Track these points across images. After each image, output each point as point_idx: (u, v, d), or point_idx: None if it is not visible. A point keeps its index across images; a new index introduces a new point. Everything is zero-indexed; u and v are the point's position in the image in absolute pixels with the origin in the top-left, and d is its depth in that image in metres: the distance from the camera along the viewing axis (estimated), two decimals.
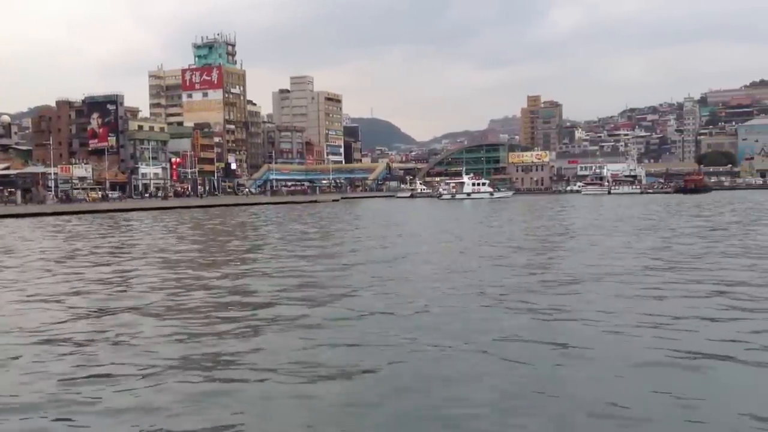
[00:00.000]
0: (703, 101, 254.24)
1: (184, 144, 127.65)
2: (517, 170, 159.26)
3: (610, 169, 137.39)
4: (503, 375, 8.66)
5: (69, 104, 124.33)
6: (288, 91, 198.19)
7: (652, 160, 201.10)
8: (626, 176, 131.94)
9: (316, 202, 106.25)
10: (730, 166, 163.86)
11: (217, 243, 30.96)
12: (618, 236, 29.69)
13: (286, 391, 8.21)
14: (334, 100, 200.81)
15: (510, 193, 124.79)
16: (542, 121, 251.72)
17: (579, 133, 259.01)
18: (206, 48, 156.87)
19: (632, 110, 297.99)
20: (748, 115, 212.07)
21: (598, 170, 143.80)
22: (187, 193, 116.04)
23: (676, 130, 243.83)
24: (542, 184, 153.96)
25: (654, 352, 9.53)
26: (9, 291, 16.70)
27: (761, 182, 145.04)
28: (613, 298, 13.74)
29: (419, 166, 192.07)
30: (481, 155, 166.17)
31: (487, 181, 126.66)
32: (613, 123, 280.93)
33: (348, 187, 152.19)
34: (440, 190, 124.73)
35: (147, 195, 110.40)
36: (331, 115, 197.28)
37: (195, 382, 8.60)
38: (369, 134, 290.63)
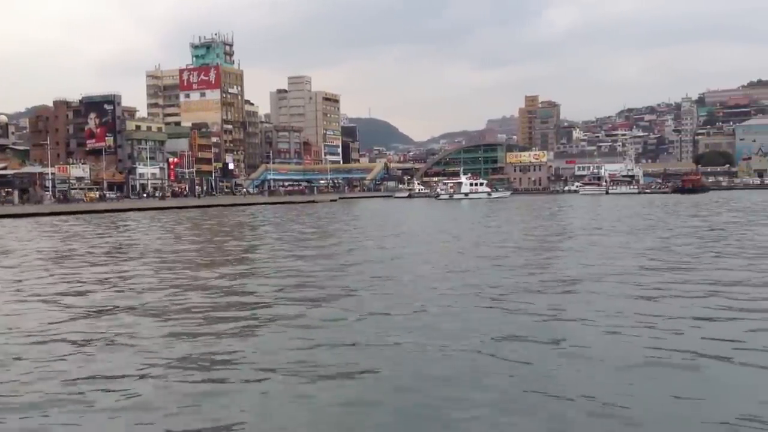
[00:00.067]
0: (700, 101, 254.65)
1: (182, 144, 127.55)
2: (514, 170, 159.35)
3: (607, 169, 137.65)
4: (502, 375, 8.67)
5: (66, 104, 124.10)
6: (286, 91, 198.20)
7: (649, 160, 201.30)
8: (624, 176, 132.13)
9: (313, 202, 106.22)
10: (727, 166, 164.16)
11: (214, 243, 30.94)
12: (616, 236, 29.74)
13: (285, 391, 8.22)
14: (331, 100, 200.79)
15: (508, 193, 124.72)
16: (540, 121, 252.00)
17: (577, 133, 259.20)
18: (204, 48, 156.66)
19: (630, 110, 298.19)
20: (746, 115, 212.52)
21: (595, 170, 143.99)
22: (185, 193, 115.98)
23: (673, 130, 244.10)
24: (540, 184, 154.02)
25: (652, 352, 9.55)
26: (7, 291, 16.68)
27: (759, 182, 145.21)
28: (612, 299, 13.76)
29: (417, 166, 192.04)
30: (478, 155, 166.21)
31: (485, 181, 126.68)
32: (611, 123, 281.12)
33: (346, 187, 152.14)
34: (438, 190, 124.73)
35: (144, 195, 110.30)
36: (328, 115, 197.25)
37: (194, 382, 8.60)
38: (367, 134, 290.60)
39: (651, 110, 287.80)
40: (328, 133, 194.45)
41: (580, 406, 7.49)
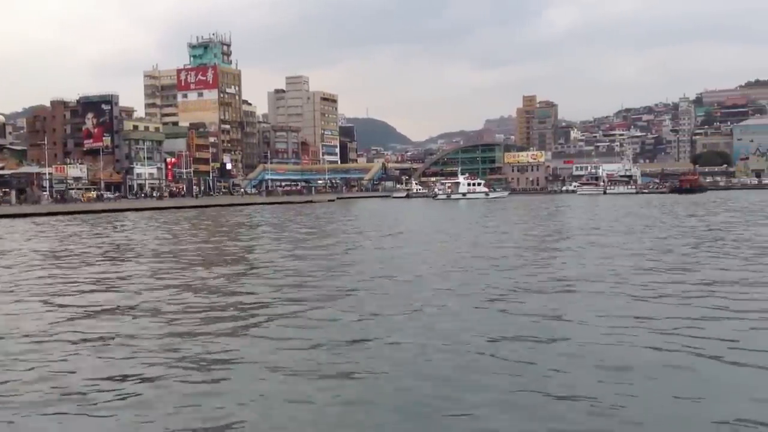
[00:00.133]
0: (698, 101, 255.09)
1: (180, 144, 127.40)
2: (512, 170, 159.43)
3: (605, 169, 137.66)
4: (502, 375, 8.68)
5: (64, 104, 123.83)
6: (283, 91, 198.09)
7: (647, 160, 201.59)
8: (622, 176, 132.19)
9: (311, 202, 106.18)
10: (725, 166, 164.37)
11: (212, 243, 30.91)
12: (614, 236, 29.77)
13: (285, 391, 8.21)
14: (329, 100, 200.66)
15: (506, 193, 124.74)
16: (538, 121, 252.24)
17: (574, 133, 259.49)
18: (201, 48, 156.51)
19: (628, 110, 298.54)
20: (744, 115, 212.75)
21: (593, 170, 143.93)
22: (182, 193, 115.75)
23: (671, 130, 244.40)
24: (538, 184, 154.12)
25: (652, 352, 9.57)
26: (4, 292, 16.64)
27: (756, 182, 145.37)
28: (610, 298, 13.78)
29: (415, 166, 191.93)
30: (476, 155, 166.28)
31: (483, 181, 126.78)
32: (609, 123, 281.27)
33: (344, 188, 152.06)
34: (436, 190, 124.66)
35: (142, 195, 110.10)
36: (326, 115, 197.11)
37: (193, 382, 8.59)
38: (365, 134, 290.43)
39: (649, 110, 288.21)
40: (325, 133, 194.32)
41: (580, 406, 7.49)
